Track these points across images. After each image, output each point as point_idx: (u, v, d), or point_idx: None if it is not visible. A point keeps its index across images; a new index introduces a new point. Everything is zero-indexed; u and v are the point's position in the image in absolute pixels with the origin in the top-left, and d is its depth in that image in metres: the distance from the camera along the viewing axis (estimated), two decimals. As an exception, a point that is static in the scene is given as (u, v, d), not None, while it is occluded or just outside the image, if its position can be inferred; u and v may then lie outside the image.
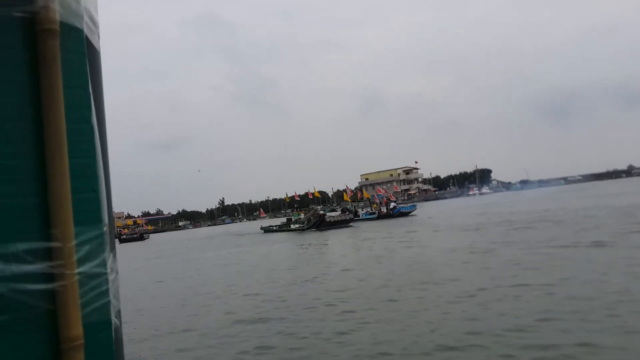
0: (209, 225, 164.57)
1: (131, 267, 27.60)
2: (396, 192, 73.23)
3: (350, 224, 49.59)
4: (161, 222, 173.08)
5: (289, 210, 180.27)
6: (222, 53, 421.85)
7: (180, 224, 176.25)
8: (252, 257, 25.50)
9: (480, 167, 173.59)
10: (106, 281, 0.93)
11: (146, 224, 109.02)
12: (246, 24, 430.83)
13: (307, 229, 48.62)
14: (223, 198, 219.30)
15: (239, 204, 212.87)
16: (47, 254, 0.86)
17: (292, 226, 52.42)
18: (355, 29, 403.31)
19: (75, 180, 0.90)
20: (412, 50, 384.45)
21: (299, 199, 68.09)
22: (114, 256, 0.96)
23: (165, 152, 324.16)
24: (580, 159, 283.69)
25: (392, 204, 56.45)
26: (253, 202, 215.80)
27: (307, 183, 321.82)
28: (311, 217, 49.70)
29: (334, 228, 46.04)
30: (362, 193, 61.74)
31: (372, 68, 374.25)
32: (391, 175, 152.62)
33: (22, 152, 0.86)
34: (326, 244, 28.48)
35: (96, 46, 0.99)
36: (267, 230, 56.68)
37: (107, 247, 0.95)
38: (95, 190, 0.94)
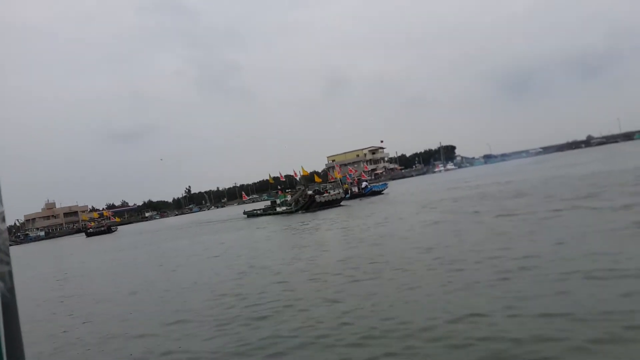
0: (177, 215, 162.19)
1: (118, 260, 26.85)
2: (365, 171, 73.57)
3: (341, 203, 47.18)
4: (127, 214, 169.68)
5: (255, 196, 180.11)
6: (182, 38, 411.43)
7: (147, 214, 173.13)
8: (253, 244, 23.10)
9: (444, 143, 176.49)
10: None
11: (113, 215, 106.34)
12: (204, 7, 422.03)
13: (296, 210, 46.11)
14: (189, 186, 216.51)
15: (206, 192, 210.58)
16: None
17: (279, 209, 49.88)
18: (315, 10, 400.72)
19: None
20: (372, 30, 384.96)
21: (284, 179, 65.04)
22: None
23: (127, 142, 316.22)
24: (540, 132, 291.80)
25: (364, 183, 56.78)
26: (220, 189, 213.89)
27: (273, 167, 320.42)
28: (299, 199, 47.18)
29: (325, 208, 43.69)
30: (332, 174, 61.28)
31: (334, 49, 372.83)
32: (357, 155, 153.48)
33: None
34: (325, 226, 26.01)
35: None
36: (250, 214, 53.95)
37: None
38: None
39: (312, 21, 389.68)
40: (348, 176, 58.42)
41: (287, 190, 54.88)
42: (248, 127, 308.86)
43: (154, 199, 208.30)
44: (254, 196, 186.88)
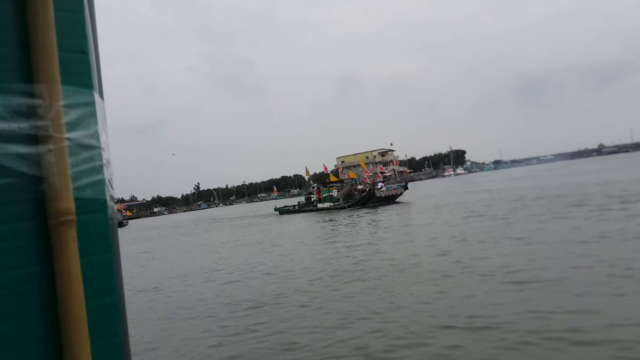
0: (185, 211, 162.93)
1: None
2: (375, 174, 73.44)
3: (398, 199, 43.05)
4: (135, 208, 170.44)
5: (264, 194, 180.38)
6: (198, 33, 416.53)
7: (156, 209, 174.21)
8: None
9: (454, 148, 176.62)
10: (99, 156, 0.83)
11: (125, 209, 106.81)
12: (220, 3, 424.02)
13: (349, 206, 42.23)
14: (198, 183, 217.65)
15: (214, 189, 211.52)
16: (31, 112, 0.75)
17: (321, 205, 46.18)
18: (330, 8, 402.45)
19: (61, 38, 0.79)
20: (388, 31, 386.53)
21: (328, 172, 61.22)
22: (107, 135, 0.87)
23: (138, 136, 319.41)
24: (552, 139, 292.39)
25: (380, 184, 56.72)
26: (229, 186, 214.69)
27: (281, 166, 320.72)
28: (354, 192, 44.10)
29: (384, 204, 39.93)
30: (347, 174, 61.34)
31: (348, 49, 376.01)
32: (367, 157, 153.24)
33: None
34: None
35: None
36: (282, 211, 51.57)
37: (100, 121, 0.84)
38: (85, 52, 0.83)
39: (326, 20, 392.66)
40: (365, 177, 58.38)
41: (330, 185, 49.91)
42: (258, 125, 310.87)
43: (163, 195, 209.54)
44: (262, 195, 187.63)
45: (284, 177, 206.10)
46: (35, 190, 0.76)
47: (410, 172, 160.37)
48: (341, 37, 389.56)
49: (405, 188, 44.24)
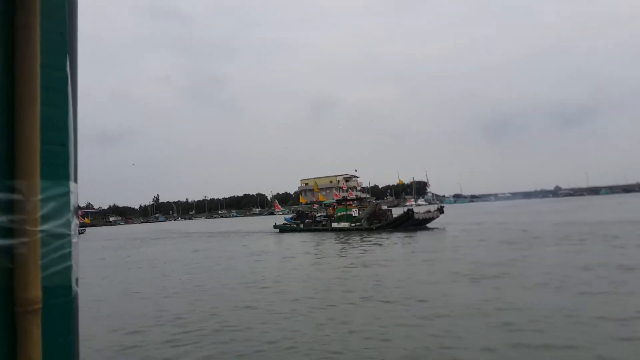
0: (142, 222, 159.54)
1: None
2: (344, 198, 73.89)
3: (429, 224, 39.22)
4: (91, 216, 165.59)
5: (224, 211, 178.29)
6: (174, 45, 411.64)
7: (111, 219, 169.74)
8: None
9: (417, 179, 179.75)
10: (69, 243, 0.86)
11: (83, 217, 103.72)
12: (200, 16, 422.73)
13: (376, 228, 38.48)
14: (158, 195, 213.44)
15: (174, 202, 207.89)
16: (9, 207, 0.77)
17: (336, 224, 42.66)
18: (307, 32, 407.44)
19: (44, 132, 0.81)
20: (362, 60, 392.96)
21: (363, 190, 58.52)
22: (77, 218, 0.89)
23: (100, 143, 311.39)
24: (510, 177, 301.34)
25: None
26: (190, 200, 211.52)
27: (246, 184, 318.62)
28: (378, 212, 40.75)
29: (418, 229, 36.29)
30: (316, 196, 61.70)
31: (322, 74, 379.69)
32: (331, 181, 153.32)
33: None
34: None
35: None
36: (283, 229, 48.04)
37: (72, 208, 0.87)
38: (65, 144, 0.86)
39: (302, 43, 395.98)
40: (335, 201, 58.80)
41: (347, 203, 45.65)
42: (226, 141, 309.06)
43: (120, 204, 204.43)
44: (223, 211, 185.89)
45: (246, 195, 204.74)
46: (4, 280, 0.77)
47: (372, 200, 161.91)
48: (317, 62, 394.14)
49: (441, 212, 40.51)
